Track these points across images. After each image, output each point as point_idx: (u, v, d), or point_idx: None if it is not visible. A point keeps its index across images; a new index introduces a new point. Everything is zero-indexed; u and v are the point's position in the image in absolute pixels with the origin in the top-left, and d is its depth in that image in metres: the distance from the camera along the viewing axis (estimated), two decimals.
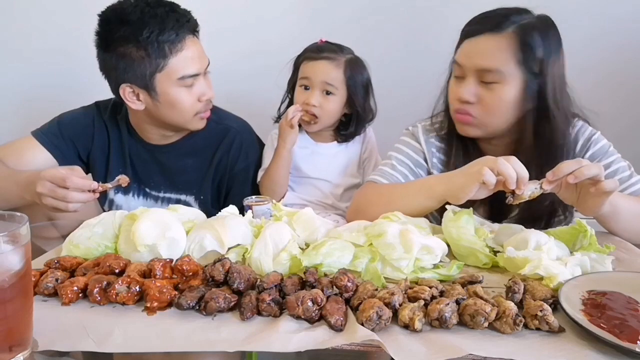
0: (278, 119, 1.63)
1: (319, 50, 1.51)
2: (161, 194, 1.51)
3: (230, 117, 1.58)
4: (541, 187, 0.93)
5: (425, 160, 1.28)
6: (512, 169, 0.92)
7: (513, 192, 0.93)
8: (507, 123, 1.15)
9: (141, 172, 1.50)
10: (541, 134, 1.14)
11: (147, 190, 1.51)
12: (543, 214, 1.18)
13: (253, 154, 1.55)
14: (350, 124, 1.58)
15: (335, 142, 1.62)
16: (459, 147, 1.23)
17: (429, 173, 1.26)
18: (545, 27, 1.10)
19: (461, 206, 0.99)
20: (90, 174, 1.51)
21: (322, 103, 1.50)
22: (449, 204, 1.02)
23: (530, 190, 0.93)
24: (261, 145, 1.61)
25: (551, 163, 1.04)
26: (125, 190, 1.50)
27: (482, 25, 1.12)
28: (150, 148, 1.48)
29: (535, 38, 1.08)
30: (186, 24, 1.29)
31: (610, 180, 0.92)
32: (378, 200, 1.16)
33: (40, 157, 1.37)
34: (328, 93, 1.50)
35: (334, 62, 1.49)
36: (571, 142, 1.17)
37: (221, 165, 1.50)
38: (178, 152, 1.48)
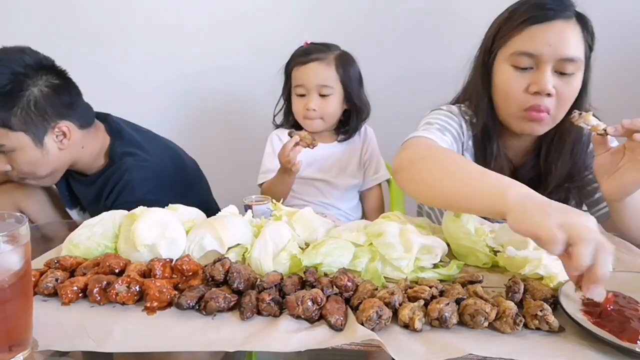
0: (279, 126, 1.63)
1: (307, 54, 1.50)
2: None
3: (132, 151, 1.42)
4: (605, 130, 0.90)
5: (462, 140, 1.16)
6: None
7: (580, 112, 0.92)
8: (564, 115, 1.09)
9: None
10: (573, 127, 1.08)
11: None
12: None
13: (142, 190, 1.37)
14: (350, 119, 1.59)
15: (336, 142, 1.62)
16: (484, 140, 1.15)
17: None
18: (586, 16, 1.08)
19: None
20: None
21: (321, 105, 1.50)
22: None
23: (595, 122, 0.91)
24: (159, 181, 1.44)
25: (573, 158, 1.04)
26: (70, 205, 1.54)
27: (554, 11, 1.03)
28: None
29: (590, 25, 1.06)
30: None
31: None
32: (432, 165, 0.93)
33: None
34: (325, 95, 1.50)
35: (324, 62, 1.48)
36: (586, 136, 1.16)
37: (106, 203, 1.40)
38: (85, 180, 1.46)
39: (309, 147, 1.38)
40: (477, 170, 0.85)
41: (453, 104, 1.22)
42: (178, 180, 1.50)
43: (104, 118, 1.45)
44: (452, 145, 1.11)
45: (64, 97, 1.30)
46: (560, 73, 1.04)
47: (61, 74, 1.31)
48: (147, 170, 1.40)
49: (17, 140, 1.24)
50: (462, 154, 1.15)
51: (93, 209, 1.47)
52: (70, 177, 1.49)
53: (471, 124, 1.18)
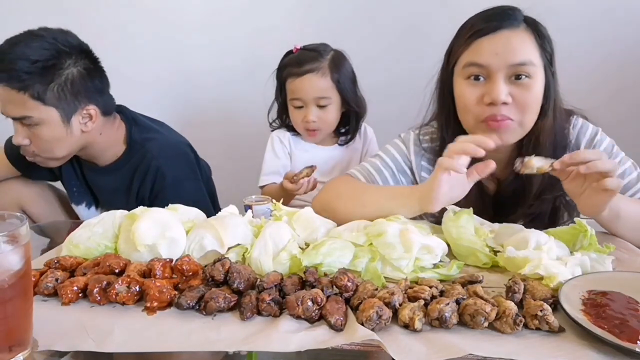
0: (278, 127, 1.63)
1: (300, 63, 1.47)
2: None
3: (151, 136, 1.47)
4: (551, 166, 0.91)
5: (412, 172, 1.22)
6: (462, 142, 0.92)
7: (522, 160, 0.93)
8: (534, 121, 1.08)
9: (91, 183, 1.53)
10: (544, 133, 1.09)
11: (99, 204, 1.54)
12: (546, 216, 1.15)
13: (171, 172, 1.42)
14: (350, 121, 1.59)
15: (336, 145, 1.62)
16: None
17: (415, 184, 1.20)
18: (538, 21, 1.09)
19: (461, 206, 0.99)
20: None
21: (320, 116, 1.50)
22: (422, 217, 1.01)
23: (540, 162, 0.92)
24: (184, 158, 1.50)
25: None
26: (78, 200, 1.54)
27: (497, 21, 1.05)
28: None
29: (543, 29, 1.07)
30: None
31: (614, 179, 0.88)
32: (348, 194, 1.11)
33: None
34: (323, 105, 1.49)
35: (319, 73, 1.46)
36: (573, 141, 1.15)
37: (140, 194, 1.44)
38: (103, 169, 1.48)
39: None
40: (380, 189, 1.13)
41: (423, 125, 1.24)
42: (196, 166, 1.53)
43: (119, 109, 1.50)
44: (387, 180, 1.20)
45: (96, 82, 1.36)
46: (516, 78, 1.04)
47: (96, 61, 1.37)
48: (168, 148, 1.46)
49: (46, 114, 1.27)
50: (414, 180, 1.21)
51: (112, 199, 1.46)
52: (86, 169, 1.49)
53: (429, 148, 1.21)
